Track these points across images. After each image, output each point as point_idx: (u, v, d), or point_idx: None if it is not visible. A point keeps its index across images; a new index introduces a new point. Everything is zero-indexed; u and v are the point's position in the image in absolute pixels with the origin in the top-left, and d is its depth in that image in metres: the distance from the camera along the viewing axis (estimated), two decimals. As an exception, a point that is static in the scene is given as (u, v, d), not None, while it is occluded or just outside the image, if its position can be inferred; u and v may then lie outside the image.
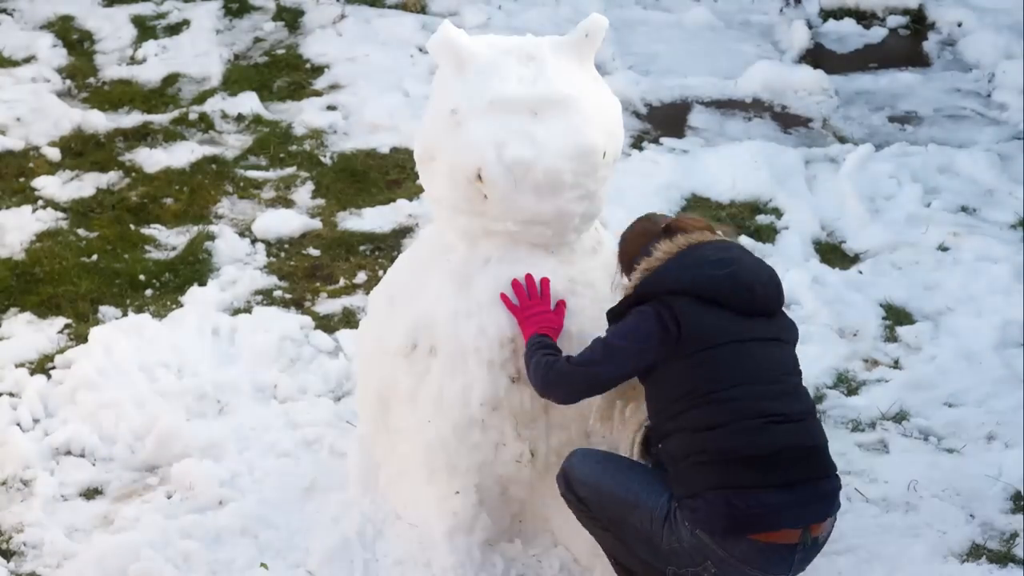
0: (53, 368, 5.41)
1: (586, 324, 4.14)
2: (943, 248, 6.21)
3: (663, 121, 7.48)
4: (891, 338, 5.60)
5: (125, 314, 5.75)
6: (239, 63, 8.08)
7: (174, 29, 8.43)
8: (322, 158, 7.04)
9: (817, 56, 8.21)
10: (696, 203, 6.59)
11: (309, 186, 6.79)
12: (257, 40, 8.37)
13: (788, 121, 7.51)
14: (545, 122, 4.04)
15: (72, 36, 8.37)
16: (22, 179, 6.84)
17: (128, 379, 5.24)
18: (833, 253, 6.25)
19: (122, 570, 4.32)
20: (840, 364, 5.39)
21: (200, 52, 8.13)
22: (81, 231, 6.40)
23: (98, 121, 7.34)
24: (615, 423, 4.20)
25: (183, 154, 7.07)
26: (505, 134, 4.02)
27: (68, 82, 7.87)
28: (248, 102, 7.52)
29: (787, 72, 7.85)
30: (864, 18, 8.64)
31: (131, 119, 7.45)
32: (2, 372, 5.37)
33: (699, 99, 7.71)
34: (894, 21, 8.60)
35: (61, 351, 5.51)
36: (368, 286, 5.81)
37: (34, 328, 5.67)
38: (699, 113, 7.57)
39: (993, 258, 6.09)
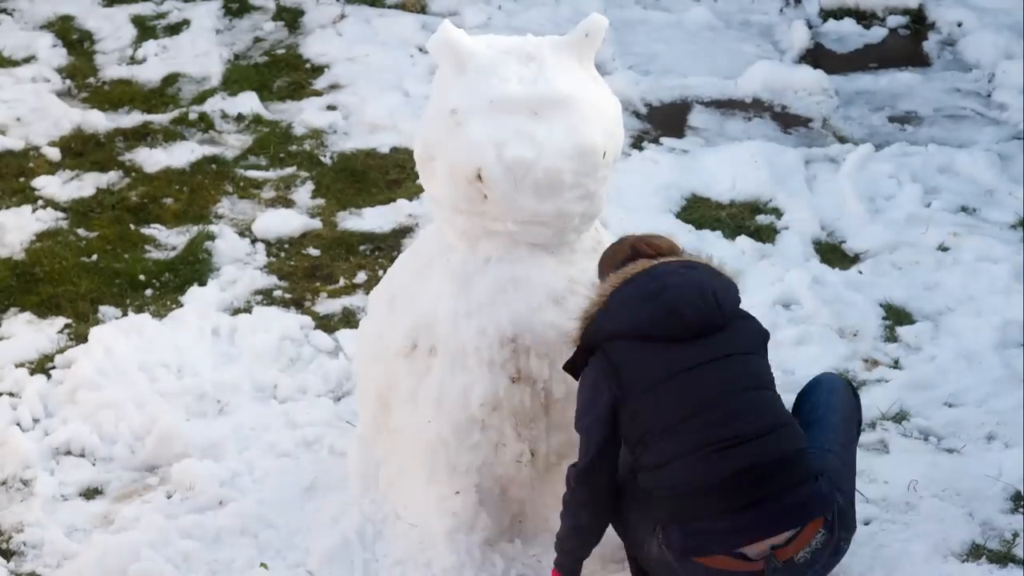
0: (53, 368, 5.41)
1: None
2: (943, 248, 6.21)
3: (663, 121, 7.47)
4: (891, 338, 5.60)
5: (125, 314, 5.75)
6: (239, 63, 8.08)
7: (174, 29, 8.42)
8: (322, 158, 7.04)
9: (817, 56, 8.20)
10: (696, 203, 6.59)
11: (309, 186, 6.79)
12: (257, 40, 8.36)
13: (788, 121, 7.50)
14: (545, 122, 4.05)
15: (72, 36, 8.36)
16: (22, 179, 6.84)
17: (128, 379, 5.24)
18: (833, 253, 6.25)
19: (122, 570, 4.32)
20: (840, 364, 5.39)
21: (200, 52, 8.12)
22: (81, 231, 6.40)
23: (98, 121, 7.34)
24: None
25: (183, 154, 7.06)
26: (505, 134, 4.02)
27: (68, 82, 7.87)
28: (248, 102, 7.52)
29: (787, 72, 7.84)
30: (864, 18, 8.64)
31: (131, 119, 7.45)
32: (2, 372, 5.37)
33: (699, 99, 7.70)
34: (894, 21, 8.59)
35: (61, 351, 5.51)
36: (368, 286, 5.81)
37: (34, 328, 5.67)
38: (699, 113, 7.57)
39: (993, 258, 6.09)
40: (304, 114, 7.42)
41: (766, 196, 6.61)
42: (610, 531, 4.01)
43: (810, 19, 8.60)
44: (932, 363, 5.40)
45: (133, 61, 8.11)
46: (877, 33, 8.52)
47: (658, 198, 6.52)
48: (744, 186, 6.67)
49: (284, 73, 7.93)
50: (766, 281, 5.88)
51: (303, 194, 6.73)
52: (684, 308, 3.79)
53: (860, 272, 6.06)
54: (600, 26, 4.15)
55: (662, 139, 7.23)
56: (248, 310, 5.77)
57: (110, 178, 6.86)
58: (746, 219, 6.46)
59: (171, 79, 7.87)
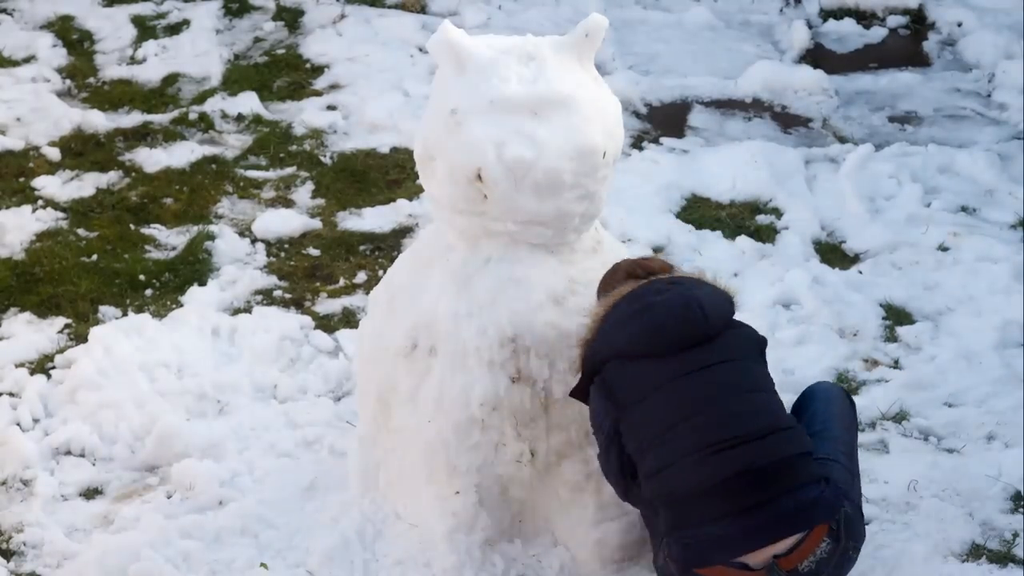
0: (53, 368, 5.41)
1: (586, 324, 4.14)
2: (943, 248, 6.21)
3: (663, 121, 7.47)
4: (891, 338, 5.60)
5: (125, 314, 5.75)
6: (239, 63, 8.07)
7: (174, 29, 8.41)
8: (322, 158, 7.04)
9: (817, 56, 8.20)
10: (696, 203, 6.59)
11: (309, 186, 6.79)
12: (257, 40, 8.36)
13: (788, 121, 7.50)
14: (545, 122, 4.05)
15: (72, 36, 8.36)
16: (22, 179, 6.84)
17: (128, 379, 5.23)
18: (833, 253, 6.25)
19: (122, 570, 4.32)
20: (840, 364, 5.39)
21: (200, 52, 8.12)
22: (81, 231, 6.40)
23: (98, 121, 7.34)
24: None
25: (183, 154, 7.06)
26: (505, 134, 4.02)
27: (68, 82, 7.86)
28: (248, 102, 7.52)
29: (787, 72, 7.84)
30: (864, 18, 8.63)
31: (131, 119, 7.45)
32: (2, 372, 5.37)
33: (699, 99, 7.70)
34: (894, 21, 8.59)
35: (61, 351, 5.51)
36: (368, 286, 5.81)
37: (34, 328, 5.67)
38: (699, 113, 7.57)
39: (993, 258, 6.09)
40: (304, 114, 7.41)
41: (766, 196, 6.61)
42: (610, 530, 4.01)
43: (810, 19, 8.59)
44: (932, 363, 5.40)
45: (133, 61, 8.11)
46: (877, 33, 8.51)
47: (658, 198, 6.52)
48: (744, 186, 6.67)
49: (284, 73, 7.93)
50: (766, 281, 5.88)
51: (303, 194, 6.73)
52: (668, 322, 3.83)
53: (860, 272, 6.06)
54: (600, 26, 4.15)
55: (662, 139, 7.23)
56: (248, 310, 5.77)
57: (110, 178, 6.86)
58: (746, 219, 6.46)
59: (171, 79, 7.86)
